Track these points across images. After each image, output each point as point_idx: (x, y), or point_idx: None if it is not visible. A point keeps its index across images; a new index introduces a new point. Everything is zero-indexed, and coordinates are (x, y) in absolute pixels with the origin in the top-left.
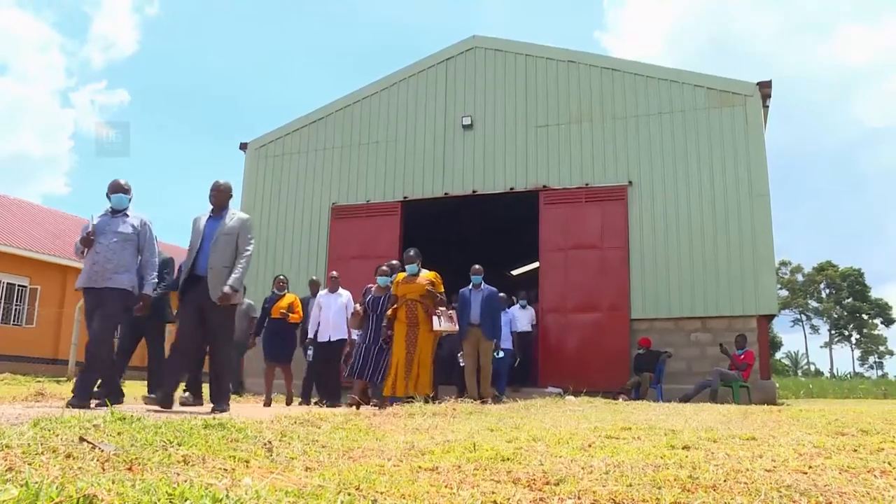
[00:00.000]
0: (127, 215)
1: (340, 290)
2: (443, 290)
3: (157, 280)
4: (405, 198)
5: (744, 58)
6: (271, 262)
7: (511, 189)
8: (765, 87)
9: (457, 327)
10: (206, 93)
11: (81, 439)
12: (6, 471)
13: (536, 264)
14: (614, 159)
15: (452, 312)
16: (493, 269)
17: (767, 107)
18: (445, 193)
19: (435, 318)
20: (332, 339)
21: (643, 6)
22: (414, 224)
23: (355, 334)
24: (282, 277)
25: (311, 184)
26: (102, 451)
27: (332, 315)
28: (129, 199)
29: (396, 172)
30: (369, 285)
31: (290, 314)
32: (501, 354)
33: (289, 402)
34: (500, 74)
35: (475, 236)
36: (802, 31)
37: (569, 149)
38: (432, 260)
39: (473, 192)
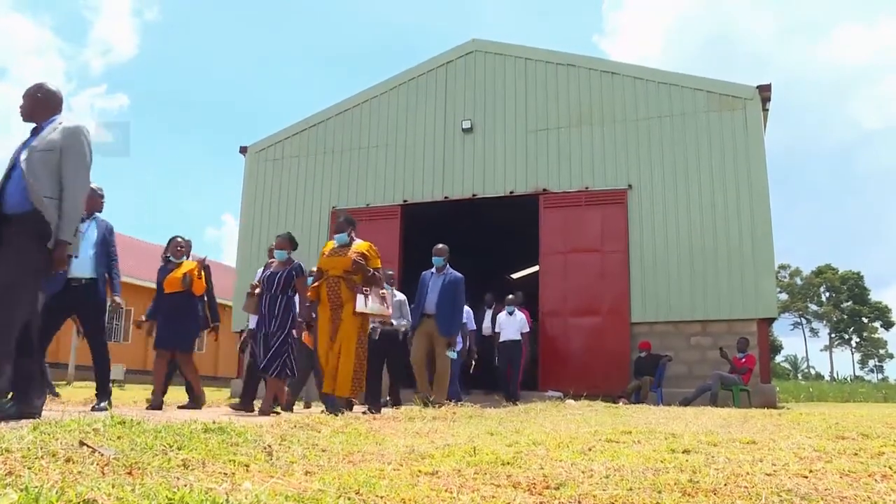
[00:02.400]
0: None
1: None
2: (378, 265)
3: None
4: (405, 201)
5: (742, 60)
6: None
7: (511, 192)
8: (764, 91)
9: (389, 311)
10: (205, 97)
11: (81, 443)
12: (6, 475)
13: (536, 268)
14: (614, 163)
15: (387, 292)
16: (493, 272)
17: (767, 110)
18: (445, 197)
19: (360, 297)
20: None
21: (641, 10)
22: (414, 228)
23: (252, 321)
24: (180, 240)
25: (310, 187)
26: (102, 455)
27: None
28: None
29: (396, 176)
30: (270, 260)
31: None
32: (455, 356)
33: (194, 404)
34: (500, 78)
35: (475, 240)
36: (799, 33)
37: (568, 152)
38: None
39: (473, 195)
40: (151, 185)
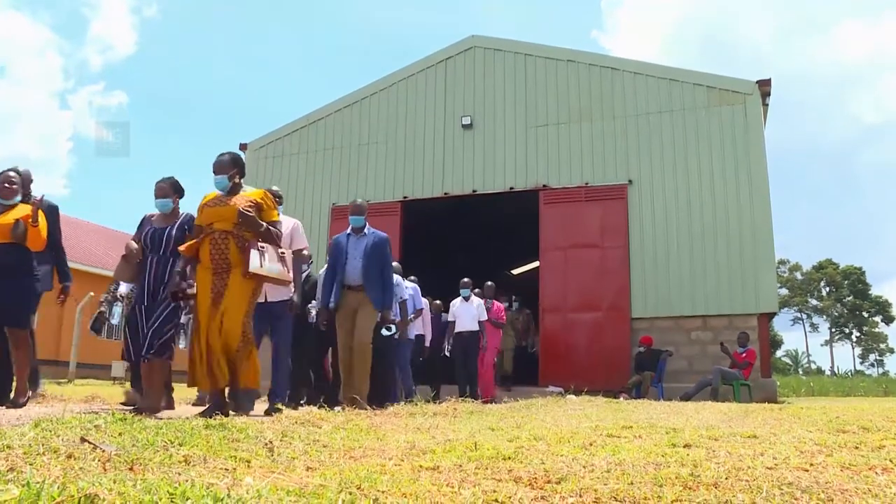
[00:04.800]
0: None
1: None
2: (276, 217)
3: None
4: (405, 198)
5: (741, 57)
6: None
7: (511, 188)
8: (764, 86)
9: (290, 275)
10: (205, 94)
11: (83, 440)
12: (8, 471)
13: (536, 264)
14: (614, 158)
15: (288, 253)
16: (493, 268)
17: (767, 105)
18: (445, 193)
19: (254, 253)
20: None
21: (640, 5)
22: (414, 224)
23: (125, 288)
24: (12, 174)
25: (311, 184)
26: (104, 451)
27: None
28: None
29: (396, 172)
30: (150, 213)
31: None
32: (393, 331)
33: (18, 400)
34: (500, 74)
35: (475, 236)
36: (800, 29)
37: (568, 148)
38: (433, 260)
39: (473, 191)
40: (150, 182)
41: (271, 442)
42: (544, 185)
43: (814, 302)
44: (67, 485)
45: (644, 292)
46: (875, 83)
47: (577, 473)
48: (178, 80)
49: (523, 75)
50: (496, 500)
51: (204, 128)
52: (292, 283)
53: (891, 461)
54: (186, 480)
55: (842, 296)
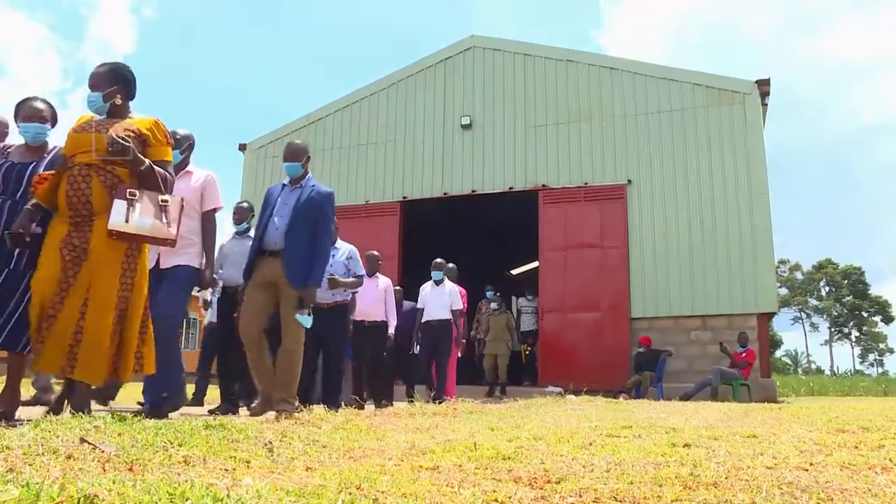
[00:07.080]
0: None
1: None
2: (168, 157)
3: None
4: (404, 198)
5: (740, 56)
6: None
7: (510, 189)
8: (763, 86)
9: (171, 232)
10: (204, 94)
11: (82, 440)
12: (7, 471)
13: (536, 264)
14: (613, 158)
15: (171, 200)
16: (493, 268)
17: (766, 105)
18: (444, 193)
19: (118, 205)
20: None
21: (640, 4)
22: (413, 224)
23: None
24: None
25: None
26: (103, 452)
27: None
28: None
29: (395, 173)
30: (5, 144)
31: None
32: (309, 321)
33: None
34: (499, 74)
35: (474, 236)
36: (799, 28)
37: (567, 148)
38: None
39: (472, 191)
40: None
41: (271, 442)
42: (543, 185)
43: (813, 302)
44: (67, 485)
45: (643, 292)
46: (874, 81)
47: (577, 473)
48: (177, 79)
49: (522, 75)
50: (496, 500)
51: (203, 127)
52: (201, 250)
53: (890, 460)
54: (186, 481)
55: (841, 295)
